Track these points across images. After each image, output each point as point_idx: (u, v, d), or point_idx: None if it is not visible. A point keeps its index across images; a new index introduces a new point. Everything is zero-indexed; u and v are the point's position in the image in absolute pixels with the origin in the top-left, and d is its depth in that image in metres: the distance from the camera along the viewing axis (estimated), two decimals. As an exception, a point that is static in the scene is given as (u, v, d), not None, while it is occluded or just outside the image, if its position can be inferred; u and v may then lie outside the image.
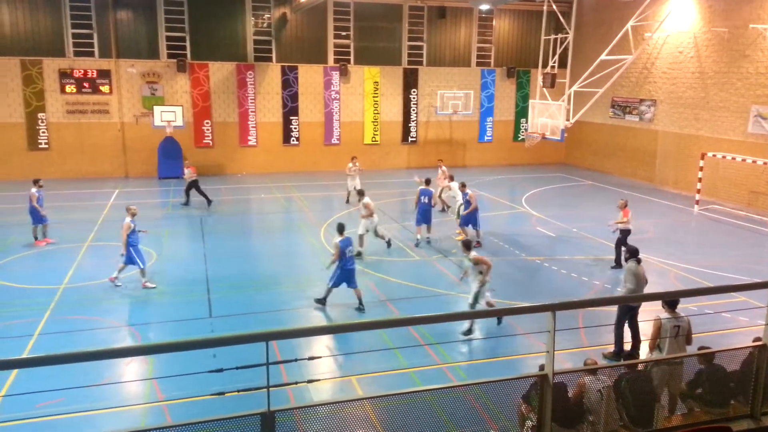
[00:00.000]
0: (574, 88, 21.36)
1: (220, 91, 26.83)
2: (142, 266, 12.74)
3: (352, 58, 28.28)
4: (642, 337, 9.76)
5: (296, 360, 4.80)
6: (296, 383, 4.83)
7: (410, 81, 29.25)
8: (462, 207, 16.70)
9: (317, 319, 11.64)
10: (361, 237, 15.10)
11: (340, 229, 12.18)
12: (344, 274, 11.75)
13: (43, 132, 24.96)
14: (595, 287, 13.42)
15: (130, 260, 12.60)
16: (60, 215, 18.04)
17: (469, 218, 16.28)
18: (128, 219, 12.63)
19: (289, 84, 27.57)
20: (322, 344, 10.22)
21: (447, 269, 14.45)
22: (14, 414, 7.44)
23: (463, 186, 16.92)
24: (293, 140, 28.06)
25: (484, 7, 27.27)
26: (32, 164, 24.48)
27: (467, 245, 11.27)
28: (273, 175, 26.62)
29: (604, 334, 10.20)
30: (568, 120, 20.99)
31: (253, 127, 27.46)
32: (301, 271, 14.30)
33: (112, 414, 8.01)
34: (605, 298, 12.58)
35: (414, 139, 29.84)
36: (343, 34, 28.07)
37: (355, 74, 28.36)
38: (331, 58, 28.01)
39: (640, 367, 6.12)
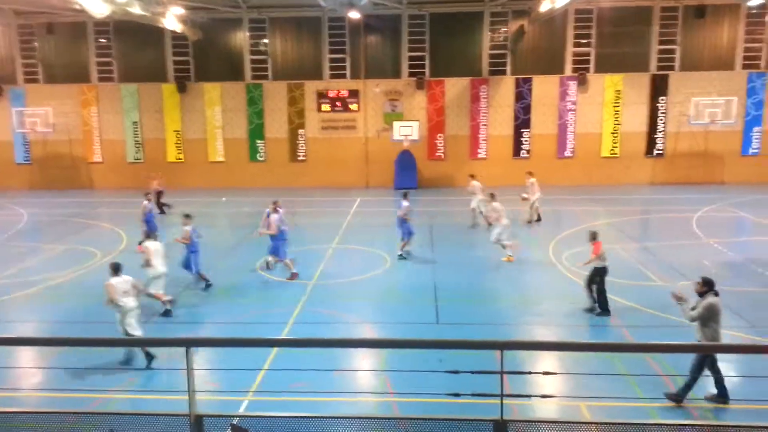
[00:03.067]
0: None
1: (454, 105, 27.69)
2: (193, 272, 13.68)
3: (591, 66, 26.94)
4: None
5: (530, 373, 4.66)
6: (529, 396, 4.72)
7: (659, 88, 26.78)
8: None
9: (543, 335, 11.25)
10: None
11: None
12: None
13: (302, 146, 28.47)
14: None
15: (187, 266, 13.58)
16: (312, 220, 20.37)
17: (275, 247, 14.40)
18: (188, 228, 13.63)
19: (522, 96, 27.30)
20: (549, 362, 9.80)
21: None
22: (272, 389, 8.55)
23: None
24: (524, 153, 27.67)
25: (755, 2, 23.75)
26: (292, 174, 28.13)
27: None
28: (502, 189, 26.42)
29: None
30: None
31: (483, 140, 27.77)
32: (528, 286, 13.98)
33: (346, 402, 8.71)
34: None
35: (661, 151, 27.20)
36: (584, 41, 26.90)
37: (594, 83, 26.94)
38: (568, 67, 27.04)
39: None
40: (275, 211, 14.57)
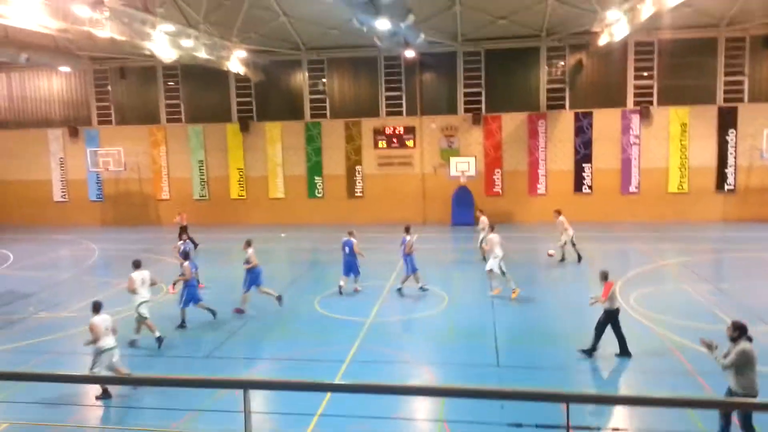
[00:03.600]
0: None
1: (511, 140, 27.42)
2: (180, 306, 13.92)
3: (654, 99, 26.20)
4: None
5: (599, 429, 4.37)
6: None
7: (727, 120, 25.70)
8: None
9: (610, 383, 10.67)
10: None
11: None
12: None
13: (359, 182, 28.75)
14: None
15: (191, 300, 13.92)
16: (368, 256, 20.28)
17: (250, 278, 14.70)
18: (187, 263, 14.22)
19: (582, 130, 26.78)
20: (619, 415, 9.24)
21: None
22: (329, 431, 8.41)
23: (247, 245, 14.91)
24: (585, 188, 26.97)
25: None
26: (349, 210, 28.37)
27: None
28: (563, 224, 25.82)
29: None
30: None
31: (542, 175, 27.28)
32: (591, 329, 13.36)
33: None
34: None
35: (731, 187, 25.93)
36: (645, 74, 26.26)
37: (658, 116, 26.15)
38: (630, 100, 26.40)
39: None
40: (248, 246, 14.91)
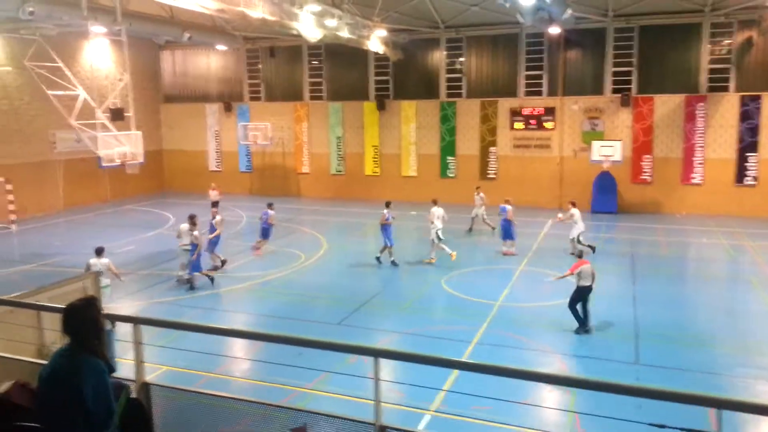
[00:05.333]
0: None
1: (664, 125, 25.31)
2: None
3: (843, 81, 22.80)
4: None
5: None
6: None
7: None
8: None
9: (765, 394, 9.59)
10: None
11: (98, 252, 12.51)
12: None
13: (493, 163, 28.18)
14: None
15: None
16: (499, 239, 19.95)
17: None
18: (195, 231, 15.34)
19: (748, 116, 24.02)
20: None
21: None
22: (454, 407, 8.42)
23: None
24: (749, 180, 24.26)
25: None
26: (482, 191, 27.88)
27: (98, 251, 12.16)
28: (719, 218, 23.51)
29: None
30: None
31: (699, 163, 24.93)
32: (748, 334, 12.09)
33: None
34: None
35: None
36: (832, 52, 22.90)
37: None
38: (810, 83, 23.19)
39: None
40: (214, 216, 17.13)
